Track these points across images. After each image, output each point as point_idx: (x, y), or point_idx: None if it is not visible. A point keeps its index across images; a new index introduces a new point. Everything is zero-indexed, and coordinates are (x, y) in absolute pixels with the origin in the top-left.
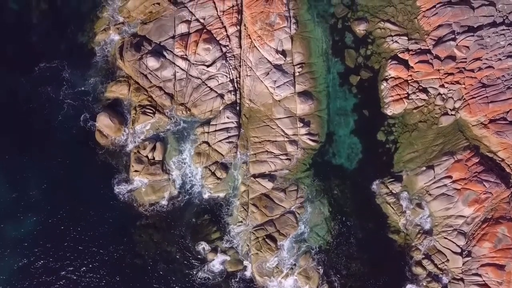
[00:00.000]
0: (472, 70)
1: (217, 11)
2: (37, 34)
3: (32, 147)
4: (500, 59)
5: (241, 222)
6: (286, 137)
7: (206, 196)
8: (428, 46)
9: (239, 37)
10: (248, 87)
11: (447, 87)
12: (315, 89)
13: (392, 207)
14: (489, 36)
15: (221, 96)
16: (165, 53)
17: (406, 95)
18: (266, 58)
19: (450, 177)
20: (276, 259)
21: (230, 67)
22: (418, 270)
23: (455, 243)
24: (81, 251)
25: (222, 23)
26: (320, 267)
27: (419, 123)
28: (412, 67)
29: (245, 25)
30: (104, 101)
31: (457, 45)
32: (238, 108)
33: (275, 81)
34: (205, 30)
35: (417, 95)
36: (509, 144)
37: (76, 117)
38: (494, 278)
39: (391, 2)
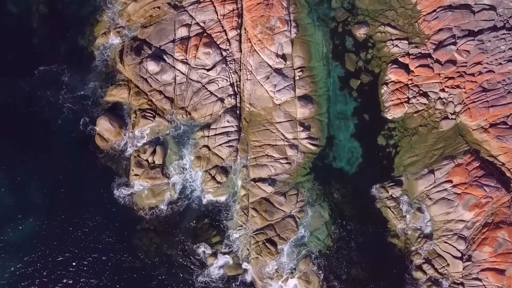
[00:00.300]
0: (473, 74)
1: (217, 15)
2: (37, 37)
3: (32, 151)
4: (500, 63)
5: (241, 226)
6: (286, 141)
7: (206, 200)
8: (428, 50)
9: (239, 41)
10: (248, 91)
11: (447, 91)
12: (315, 93)
13: (392, 211)
14: (489, 41)
15: (221, 100)
16: (165, 57)
17: (406, 99)
18: (266, 62)
19: (450, 181)
20: (276, 263)
21: (230, 71)
22: (418, 274)
23: (455, 248)
24: (80, 254)
25: (222, 27)
26: (320, 271)
27: (419, 127)
28: (413, 71)
29: (245, 29)
30: (104, 105)
31: (457, 49)
32: (238, 112)
33: (275, 85)
34: (205, 34)
35: (418, 99)
36: (509, 149)
37: (75, 121)
38: (495, 283)
39: (392, 6)
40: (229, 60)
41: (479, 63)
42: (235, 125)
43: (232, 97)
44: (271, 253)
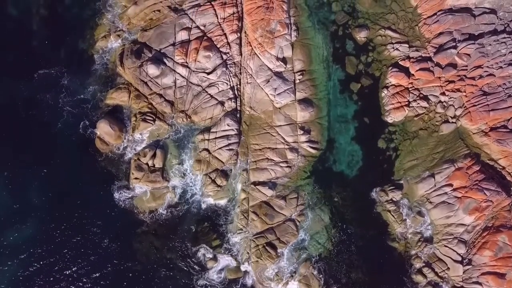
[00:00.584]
0: (473, 78)
1: (217, 18)
2: (37, 40)
3: (32, 154)
4: (501, 67)
5: (241, 229)
6: (287, 145)
7: (206, 203)
8: (429, 53)
9: (240, 44)
10: (248, 94)
11: (448, 95)
12: (316, 96)
13: (393, 215)
14: (490, 44)
15: (222, 103)
16: (165, 60)
17: (406, 102)
18: (267, 66)
19: (450, 185)
20: (276, 267)
21: (231, 75)
22: (418, 278)
23: (455, 251)
24: (80, 258)
25: (222, 30)
26: (321, 275)
27: (419, 130)
28: (413, 75)
29: (245, 32)
30: (104, 108)
31: (458, 52)
32: (238, 115)
33: (276, 88)
34: (205, 37)
35: (418, 103)
36: (510, 152)
37: (75, 124)
38: (495, 287)
39: (392, 9)
40: (229, 64)
41: (479, 66)
42: (235, 129)
43: (232, 100)
44: (271, 257)
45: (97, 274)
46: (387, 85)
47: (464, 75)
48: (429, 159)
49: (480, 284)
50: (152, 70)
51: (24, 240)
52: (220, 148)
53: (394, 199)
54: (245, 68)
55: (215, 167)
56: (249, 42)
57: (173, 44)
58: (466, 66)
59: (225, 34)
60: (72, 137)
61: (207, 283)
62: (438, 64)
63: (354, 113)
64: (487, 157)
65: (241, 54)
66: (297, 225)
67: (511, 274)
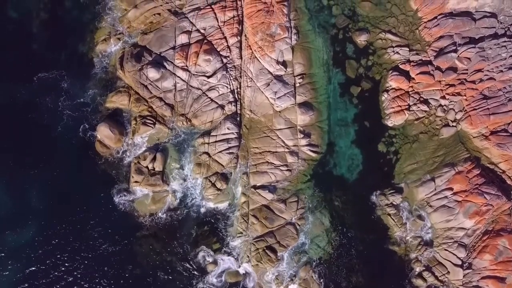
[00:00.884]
0: (474, 82)
1: (217, 21)
2: (37, 43)
3: (32, 157)
4: (501, 71)
5: (241, 233)
6: (287, 148)
7: (206, 207)
8: (429, 57)
9: (240, 48)
10: (248, 98)
11: (448, 99)
12: (316, 100)
13: (393, 219)
14: (490, 48)
15: (222, 106)
16: (165, 63)
17: (407, 106)
18: (267, 69)
19: (451, 189)
20: (276, 270)
21: (231, 78)
22: (418, 282)
23: (455, 255)
24: (80, 261)
25: (222, 33)
26: (321, 279)
27: (420, 134)
28: (413, 78)
29: (245, 35)
30: (104, 111)
31: (458, 56)
32: (238, 118)
33: (276, 92)
34: (205, 41)
35: (418, 107)
36: (510, 156)
37: (75, 127)
38: None
39: (392, 13)
40: (230, 67)
41: (480, 70)
42: (236, 132)
43: (233, 104)
44: (271, 260)
45: (97, 277)
46: (388, 88)
47: (465, 79)
48: (430, 163)
49: None
50: (152, 73)
51: (24, 243)
52: (220, 152)
53: (394, 203)
54: (245, 71)
55: (215, 171)
56: (249, 46)
57: (173, 48)
58: (467, 69)
59: (225, 37)
60: (72, 141)
61: (207, 287)
62: (438, 68)
63: (354, 116)
64: (487, 161)
65: (241, 58)
66: (297, 229)
67: (511, 278)
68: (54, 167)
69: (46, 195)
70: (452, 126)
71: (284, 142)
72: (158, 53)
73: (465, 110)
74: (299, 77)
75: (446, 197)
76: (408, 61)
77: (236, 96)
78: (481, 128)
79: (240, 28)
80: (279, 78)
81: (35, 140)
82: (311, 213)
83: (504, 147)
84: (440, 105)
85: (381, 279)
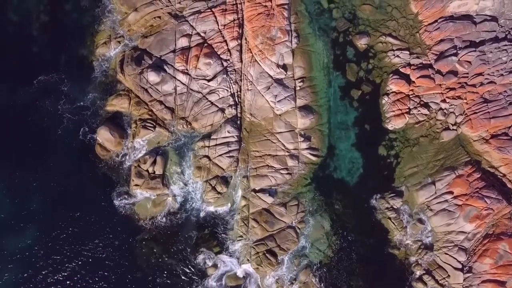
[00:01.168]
0: (474, 85)
1: (218, 25)
2: (37, 46)
3: (32, 160)
4: (502, 75)
5: (242, 236)
6: (287, 151)
7: (206, 210)
8: (429, 60)
9: (240, 51)
10: (249, 101)
11: (448, 102)
12: (316, 103)
13: (393, 222)
14: (491, 52)
15: (222, 110)
16: (165, 67)
17: (407, 109)
18: (267, 72)
19: (451, 192)
20: (276, 274)
21: (231, 81)
22: (419, 285)
23: (456, 259)
24: (81, 264)
25: (223, 37)
26: (322, 283)
27: (420, 137)
28: (414, 82)
29: (246, 39)
30: (104, 114)
31: (459, 60)
32: (238, 122)
33: (276, 95)
34: (206, 44)
35: (419, 110)
36: (510, 160)
37: (75, 130)
38: None
39: (393, 16)
40: (230, 71)
41: (480, 74)
42: (236, 135)
43: (233, 107)
44: (271, 264)
45: (97, 281)
46: (388, 92)
47: (465, 83)
48: (430, 166)
49: None
50: (152, 77)
51: (24, 246)
52: (220, 155)
53: (394, 206)
54: (245, 75)
55: (216, 174)
56: (250, 49)
57: (174, 51)
58: (467, 73)
59: (225, 41)
60: (72, 144)
61: None
62: (439, 71)
63: (355, 120)
64: (487, 165)
65: (241, 61)
66: (298, 232)
67: None
68: (54, 170)
69: (46, 198)
70: (453, 129)
71: (284, 146)
72: (159, 57)
73: (466, 114)
74: (299, 80)
75: (446, 200)
76: (409, 64)
77: (237, 100)
78: (482, 131)
79: (240, 32)
80: (279, 81)
81: (35, 143)
82: (312, 217)
83: (505, 151)
84: (441, 108)
85: (382, 283)
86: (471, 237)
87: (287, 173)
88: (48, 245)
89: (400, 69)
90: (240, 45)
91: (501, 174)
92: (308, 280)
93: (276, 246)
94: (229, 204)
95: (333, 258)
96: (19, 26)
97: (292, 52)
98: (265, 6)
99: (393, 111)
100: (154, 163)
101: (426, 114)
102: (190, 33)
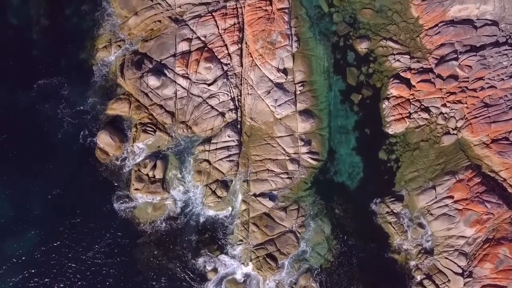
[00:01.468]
0: (475, 90)
1: (218, 29)
2: (37, 50)
3: (32, 164)
4: (502, 79)
5: (242, 241)
6: (287, 156)
7: (206, 214)
8: (430, 65)
9: (241, 56)
10: (249, 106)
11: (449, 106)
12: (316, 107)
13: (393, 227)
14: (491, 56)
15: (222, 114)
16: (166, 71)
17: (408, 114)
18: (267, 77)
19: (451, 197)
20: (276, 278)
21: (231, 86)
22: None
23: (456, 264)
24: (80, 268)
25: (223, 41)
26: (322, 287)
27: (420, 142)
28: (414, 86)
29: (246, 43)
30: (104, 118)
31: (459, 64)
32: (239, 126)
33: (276, 99)
34: (206, 48)
35: (419, 114)
36: (511, 164)
37: (75, 134)
38: None
39: (393, 20)
40: (230, 75)
41: (481, 78)
42: (236, 140)
43: (233, 111)
44: (271, 268)
45: (97, 284)
46: (388, 96)
47: (466, 87)
48: (430, 171)
49: None
50: (152, 81)
51: (24, 250)
52: (220, 159)
53: (395, 211)
54: (245, 79)
55: (216, 178)
56: (250, 53)
57: (174, 55)
58: (468, 77)
59: (226, 45)
60: (73, 147)
61: None
62: (439, 76)
63: (355, 124)
64: (488, 169)
65: (242, 65)
66: (298, 237)
67: None
68: (54, 174)
69: (46, 202)
70: (453, 134)
71: (284, 150)
72: (159, 61)
73: (466, 118)
74: (299, 84)
75: (446, 205)
76: (409, 68)
77: (237, 104)
78: (482, 136)
79: (240, 36)
80: (279, 85)
81: (35, 147)
82: (312, 221)
83: (505, 155)
84: (441, 113)
85: (382, 287)
86: (472, 242)
87: (288, 177)
88: (48, 249)
89: (401, 73)
90: (241, 49)
91: (502, 179)
92: (308, 285)
93: (276, 250)
94: (229, 209)
95: (333, 263)
96: (19, 30)
97: (293, 56)
98: (266, 10)
99: (394, 115)
100: (154, 167)
101: (426, 119)
102: (191, 37)
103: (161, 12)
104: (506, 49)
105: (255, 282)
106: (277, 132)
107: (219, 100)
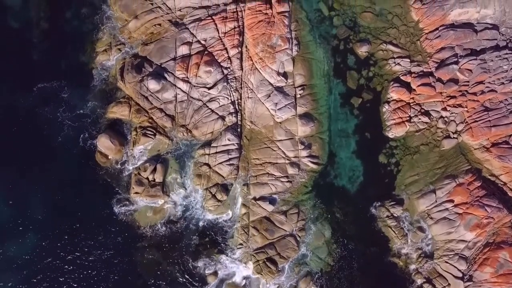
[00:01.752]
0: (475, 94)
1: (218, 32)
2: (37, 53)
3: (32, 168)
4: (503, 83)
5: (242, 244)
6: (287, 159)
7: (206, 218)
8: (430, 68)
9: (241, 59)
10: (249, 109)
11: (449, 110)
12: (316, 111)
13: (394, 230)
14: (492, 60)
15: (222, 118)
16: (166, 75)
17: (408, 117)
18: (268, 80)
19: (451, 201)
20: (276, 282)
21: (231, 89)
22: None
23: (456, 268)
24: (80, 271)
25: (223, 45)
26: None
27: (421, 146)
28: (414, 90)
29: (246, 47)
30: (105, 122)
31: (459, 68)
32: (239, 130)
33: (276, 103)
34: (206, 52)
35: (419, 118)
36: (511, 168)
37: (75, 138)
38: None
39: (394, 24)
40: (230, 78)
41: (481, 82)
42: (236, 143)
43: (233, 115)
44: (271, 272)
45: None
46: (388, 100)
47: (466, 91)
48: (430, 175)
49: None
50: (152, 85)
51: (24, 253)
52: (220, 163)
53: (395, 215)
54: (246, 82)
55: (216, 182)
56: (250, 57)
57: (174, 59)
58: (468, 81)
59: (226, 48)
60: (73, 151)
61: None
62: (439, 79)
63: (355, 127)
64: (488, 173)
65: (242, 69)
66: (298, 240)
67: None
68: (55, 177)
69: (46, 205)
70: (453, 137)
71: (284, 153)
72: (159, 64)
73: (466, 122)
74: (299, 88)
75: (447, 209)
76: (409, 72)
77: (237, 107)
78: (482, 140)
79: (240, 39)
80: (279, 89)
81: (35, 150)
82: (312, 225)
83: (505, 159)
84: (441, 116)
85: None
86: (472, 246)
87: (288, 181)
88: (47, 252)
89: (401, 77)
90: (241, 53)
91: (502, 183)
92: None
93: (277, 254)
94: (229, 212)
95: (333, 266)
96: (20, 33)
97: (293, 59)
98: (266, 13)
99: (394, 119)
100: (154, 170)
101: (426, 122)
102: (191, 40)
103: (161, 16)
104: (507, 53)
105: (255, 285)
106: (277, 135)
107: (219, 103)
